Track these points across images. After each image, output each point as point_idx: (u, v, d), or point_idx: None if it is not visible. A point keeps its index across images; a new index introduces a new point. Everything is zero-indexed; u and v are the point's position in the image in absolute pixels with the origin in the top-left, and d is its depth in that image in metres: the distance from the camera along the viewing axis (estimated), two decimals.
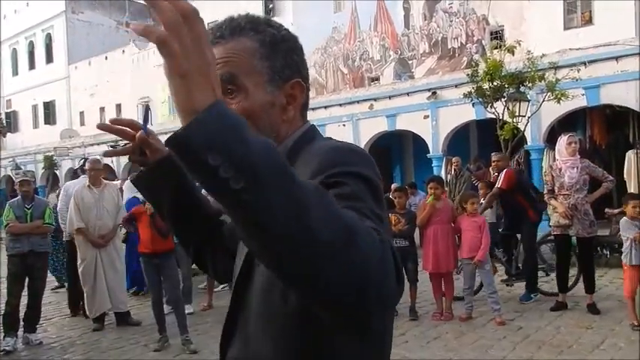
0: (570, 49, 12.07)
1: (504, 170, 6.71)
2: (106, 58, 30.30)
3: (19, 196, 5.78)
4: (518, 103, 10.06)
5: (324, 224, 0.64)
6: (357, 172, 0.83)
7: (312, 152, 0.93)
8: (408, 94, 14.75)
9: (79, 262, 5.96)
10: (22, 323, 5.58)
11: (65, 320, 6.64)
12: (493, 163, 7.27)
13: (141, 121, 1.18)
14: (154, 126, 23.25)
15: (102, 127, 1.21)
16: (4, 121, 37.21)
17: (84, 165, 7.44)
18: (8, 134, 36.52)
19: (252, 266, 0.94)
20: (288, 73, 0.99)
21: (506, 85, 10.11)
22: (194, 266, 7.55)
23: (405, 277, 5.92)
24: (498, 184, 6.55)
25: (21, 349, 5.48)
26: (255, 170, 0.63)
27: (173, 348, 5.17)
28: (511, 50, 10.21)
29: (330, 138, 1.03)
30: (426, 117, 14.48)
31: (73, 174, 7.56)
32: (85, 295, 6.04)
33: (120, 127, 1.23)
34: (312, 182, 0.70)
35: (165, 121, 23.64)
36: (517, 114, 10.05)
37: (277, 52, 0.98)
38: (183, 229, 1.29)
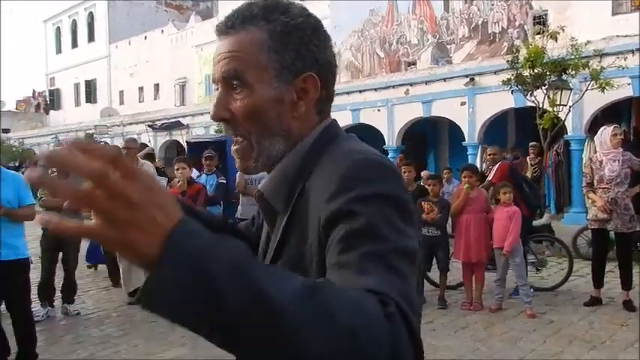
0: (618, 35, 11.59)
1: (498, 163, 6.73)
2: (145, 37, 30.80)
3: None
4: (559, 92, 9.77)
5: (320, 342, 0.58)
6: (378, 192, 0.79)
7: (333, 160, 0.87)
8: (444, 79, 14.49)
9: None
10: (60, 295, 5.82)
11: (102, 293, 6.88)
12: (489, 156, 7.21)
13: None
14: (191, 106, 23.60)
15: None
16: (47, 99, 38.50)
17: None
18: (51, 111, 37.78)
19: None
20: (300, 66, 0.91)
21: (548, 73, 9.82)
22: None
23: (437, 265, 5.94)
24: (489, 178, 6.52)
25: (60, 318, 5.72)
26: (235, 330, 0.57)
27: None
28: (554, 36, 9.89)
29: (353, 138, 0.96)
30: (462, 104, 14.22)
31: None
32: (121, 270, 6.23)
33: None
34: (297, 284, 0.60)
35: (202, 102, 23.93)
36: (558, 103, 9.77)
37: (288, 44, 0.90)
38: None
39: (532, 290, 5.96)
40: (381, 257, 0.73)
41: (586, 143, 11.87)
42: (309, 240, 0.85)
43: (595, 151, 6.18)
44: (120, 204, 0.55)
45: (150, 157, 9.06)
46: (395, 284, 0.70)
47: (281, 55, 0.90)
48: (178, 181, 5.95)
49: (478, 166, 10.21)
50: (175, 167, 5.96)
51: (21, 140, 29.34)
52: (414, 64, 18.92)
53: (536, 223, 8.29)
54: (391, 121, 15.69)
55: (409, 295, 0.71)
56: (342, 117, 15.71)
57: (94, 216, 0.57)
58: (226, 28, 0.92)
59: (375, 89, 15.95)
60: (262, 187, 0.97)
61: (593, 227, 5.78)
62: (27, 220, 4.05)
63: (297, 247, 0.87)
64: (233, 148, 0.96)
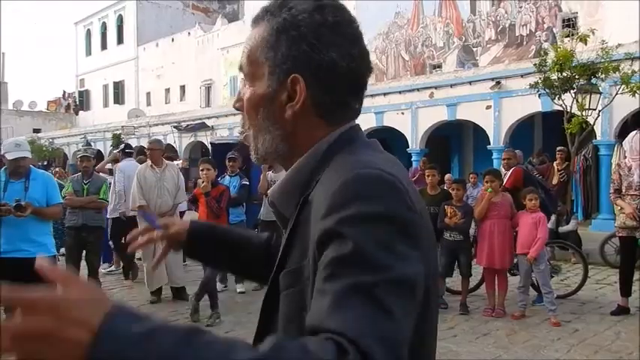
0: None
1: (512, 168, 6.59)
2: (172, 40, 31.26)
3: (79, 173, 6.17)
4: (588, 96, 9.57)
5: None
6: (375, 212, 0.73)
7: (335, 171, 0.82)
8: (470, 82, 14.34)
9: None
10: None
11: (125, 291, 6.99)
12: (503, 160, 7.08)
13: (152, 224, 1.24)
14: (216, 108, 23.84)
15: (133, 248, 1.29)
16: (77, 100, 39.37)
17: (125, 148, 7.96)
18: (80, 112, 38.62)
19: (277, 293, 0.88)
20: (289, 66, 0.86)
21: (577, 76, 9.62)
22: None
23: (458, 270, 5.87)
24: (504, 182, 6.40)
25: None
26: None
27: (224, 325, 5.34)
28: (584, 39, 9.69)
29: (368, 146, 0.92)
30: (488, 107, 14.05)
31: (122, 154, 8.02)
32: (145, 269, 6.32)
33: (145, 239, 1.27)
34: None
35: (228, 104, 24.15)
36: (587, 107, 9.57)
37: (282, 41, 0.87)
38: (249, 272, 1.33)
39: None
40: (367, 291, 0.67)
41: (615, 148, 11.60)
42: (308, 255, 0.81)
43: (624, 157, 6.03)
44: (28, 344, 0.55)
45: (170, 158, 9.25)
46: (375, 325, 0.65)
47: (274, 53, 0.88)
48: (202, 182, 6.02)
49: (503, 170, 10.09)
50: (200, 168, 6.04)
51: (51, 140, 30.02)
52: (440, 66, 18.78)
53: (562, 229, 8.15)
54: (415, 124, 15.59)
55: (392, 335, 0.66)
56: (366, 120, 15.68)
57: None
58: (253, 21, 0.94)
59: (400, 92, 15.87)
60: (271, 194, 0.97)
61: (620, 235, 5.65)
62: (54, 218, 4.23)
63: (298, 260, 0.84)
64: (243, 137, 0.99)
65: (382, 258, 0.70)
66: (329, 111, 0.90)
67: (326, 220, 0.75)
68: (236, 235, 1.32)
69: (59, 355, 0.55)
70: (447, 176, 10.54)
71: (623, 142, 5.98)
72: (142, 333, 0.57)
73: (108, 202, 6.40)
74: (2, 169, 4.16)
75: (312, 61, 0.86)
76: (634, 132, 5.73)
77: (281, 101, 0.89)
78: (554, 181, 9.44)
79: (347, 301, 0.67)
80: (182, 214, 6.78)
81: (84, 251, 5.92)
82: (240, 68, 0.95)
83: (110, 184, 7.11)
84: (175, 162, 9.96)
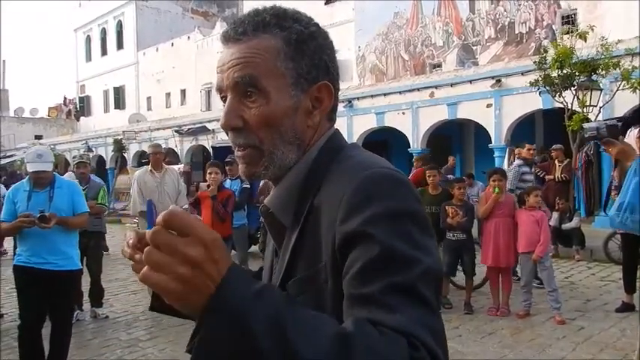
0: None
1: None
2: (172, 44, 31.31)
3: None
4: (589, 92, 9.56)
5: None
6: (394, 209, 0.77)
7: (342, 174, 0.84)
8: (470, 81, 14.32)
9: None
10: (89, 299, 5.94)
11: (130, 297, 6.99)
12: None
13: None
14: (216, 111, 23.84)
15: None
16: (78, 106, 39.43)
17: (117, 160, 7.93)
18: (81, 118, 38.68)
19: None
20: (315, 75, 0.90)
21: (577, 73, 9.61)
22: (250, 250, 7.75)
23: (461, 269, 5.86)
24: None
25: (89, 321, 5.83)
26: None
27: None
28: (583, 36, 9.68)
29: (356, 147, 0.95)
30: (489, 106, 14.03)
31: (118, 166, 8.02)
32: None
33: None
34: (330, 337, 0.63)
35: None
36: (587, 103, 9.55)
37: (304, 52, 0.89)
38: None
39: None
40: (407, 289, 0.71)
41: None
42: (322, 259, 0.82)
43: None
44: (181, 263, 0.61)
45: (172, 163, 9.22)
46: (424, 320, 0.69)
47: (297, 63, 0.89)
48: (208, 186, 6.03)
49: (505, 168, 10.07)
50: (208, 172, 6.04)
51: (53, 146, 30.02)
52: (440, 66, 18.76)
53: (565, 226, 8.13)
54: (416, 124, 15.58)
55: (437, 327, 0.71)
56: (367, 120, 15.67)
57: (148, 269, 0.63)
58: (236, 34, 0.89)
59: (400, 92, 15.86)
60: (268, 202, 0.94)
61: (621, 232, 5.63)
62: (80, 227, 4.12)
63: (310, 266, 0.84)
64: (238, 153, 0.92)
65: (411, 254, 0.74)
66: (333, 113, 0.97)
67: (348, 224, 0.77)
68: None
69: (192, 288, 0.61)
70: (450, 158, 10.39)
71: (625, 139, 5.95)
72: (253, 290, 0.63)
73: (107, 206, 6.38)
74: (27, 178, 4.05)
75: (330, 69, 0.93)
76: (630, 129, 5.70)
77: (305, 109, 0.91)
78: (557, 173, 9.36)
79: (393, 302, 0.70)
80: None
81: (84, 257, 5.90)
82: (245, 84, 0.87)
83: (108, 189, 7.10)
84: (177, 166, 9.95)
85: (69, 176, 6.36)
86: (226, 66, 0.89)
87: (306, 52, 0.90)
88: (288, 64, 0.88)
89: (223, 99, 0.92)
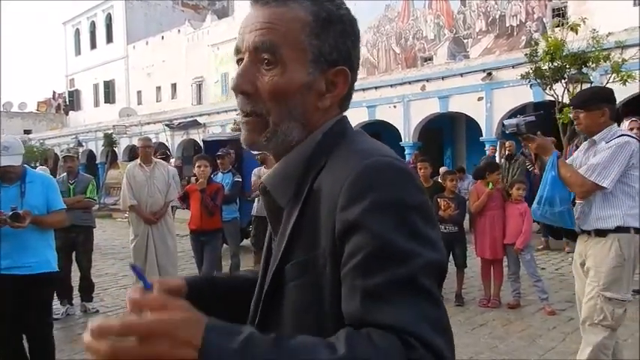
0: None
1: None
2: (162, 37, 31.09)
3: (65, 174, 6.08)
4: (579, 85, 9.58)
5: None
6: (395, 199, 0.75)
7: (344, 160, 0.82)
8: (461, 74, 14.35)
9: (131, 237, 6.18)
10: (79, 294, 5.90)
11: (120, 291, 6.94)
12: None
13: (144, 283, 0.96)
14: (207, 105, 23.76)
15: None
16: (67, 100, 39.11)
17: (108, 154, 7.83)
18: (71, 112, 38.38)
19: (282, 285, 0.85)
20: (336, 58, 0.87)
21: (568, 66, 9.64)
22: (242, 243, 7.73)
23: (453, 261, 5.87)
24: None
25: (79, 315, 5.79)
26: None
27: None
28: (574, 28, 9.69)
29: (361, 133, 0.91)
30: (480, 99, 14.07)
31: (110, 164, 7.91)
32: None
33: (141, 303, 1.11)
34: None
35: (218, 101, 24.07)
36: None
37: (330, 32, 0.87)
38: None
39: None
40: (408, 282, 0.70)
41: None
42: (321, 244, 0.79)
43: None
44: (150, 344, 0.60)
45: (165, 158, 9.14)
46: (425, 313, 0.68)
47: (321, 41, 0.86)
48: (197, 179, 5.99)
49: (497, 161, 10.10)
50: (197, 165, 5.99)
51: (42, 141, 29.83)
52: (431, 59, 18.78)
53: None
54: (407, 117, 15.60)
55: (439, 317, 0.70)
56: (358, 113, 15.66)
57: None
58: None
59: (391, 85, 15.87)
60: (266, 180, 0.91)
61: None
62: (57, 227, 3.70)
63: (309, 250, 0.81)
64: (243, 120, 0.90)
65: (412, 246, 0.72)
66: (345, 102, 0.94)
67: (347, 212, 0.75)
68: (240, 279, 1.15)
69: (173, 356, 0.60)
70: (442, 169, 10.53)
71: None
72: (237, 346, 0.62)
73: (96, 200, 6.32)
74: None
75: (352, 57, 0.90)
76: (622, 121, 5.74)
77: (318, 91, 0.88)
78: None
79: (394, 297, 0.69)
80: (174, 209, 6.72)
81: (74, 252, 5.86)
82: (264, 49, 0.85)
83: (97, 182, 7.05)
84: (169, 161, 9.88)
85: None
86: (249, 28, 0.87)
87: (332, 33, 0.87)
88: (312, 39, 0.86)
89: (239, 62, 0.89)
